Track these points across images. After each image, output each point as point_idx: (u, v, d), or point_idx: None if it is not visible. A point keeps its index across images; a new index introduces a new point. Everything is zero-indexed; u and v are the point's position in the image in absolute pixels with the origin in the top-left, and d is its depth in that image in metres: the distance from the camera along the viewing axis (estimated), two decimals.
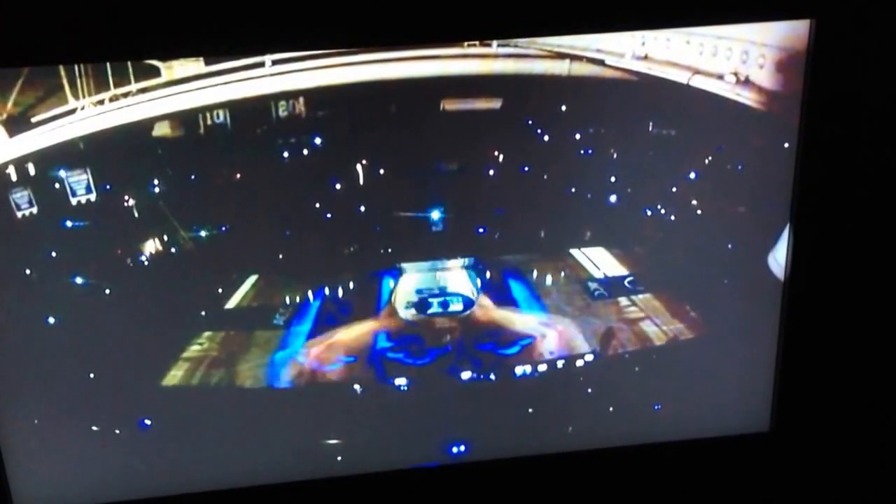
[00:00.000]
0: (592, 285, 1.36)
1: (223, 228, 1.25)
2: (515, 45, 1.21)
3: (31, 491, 1.34)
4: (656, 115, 1.27)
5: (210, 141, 1.21)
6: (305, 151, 1.23)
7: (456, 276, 1.33)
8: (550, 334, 1.37)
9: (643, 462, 1.45)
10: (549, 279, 1.34)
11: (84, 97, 1.16)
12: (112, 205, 1.21)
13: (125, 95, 1.17)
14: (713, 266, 1.36)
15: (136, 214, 1.22)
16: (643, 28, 1.22)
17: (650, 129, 1.28)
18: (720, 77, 1.26)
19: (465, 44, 1.20)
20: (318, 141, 1.23)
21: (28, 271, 1.23)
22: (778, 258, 1.36)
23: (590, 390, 1.41)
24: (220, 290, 1.28)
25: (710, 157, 1.30)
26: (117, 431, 1.33)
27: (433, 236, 1.30)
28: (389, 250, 1.30)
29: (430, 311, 1.34)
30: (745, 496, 1.49)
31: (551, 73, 1.23)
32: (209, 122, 1.20)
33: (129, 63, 1.16)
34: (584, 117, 1.26)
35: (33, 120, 1.16)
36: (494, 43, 1.21)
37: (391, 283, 1.31)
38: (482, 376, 1.38)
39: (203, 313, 1.29)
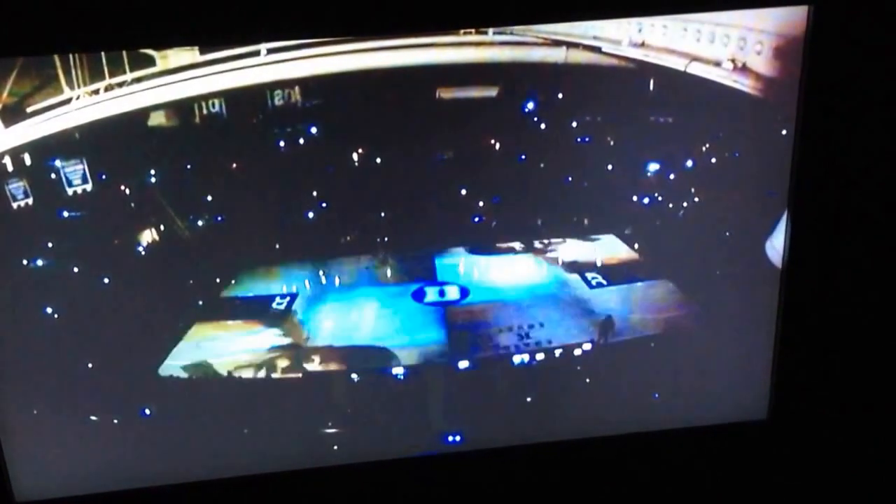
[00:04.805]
0: (590, 274, 1.35)
1: (219, 218, 1.25)
2: (511, 32, 1.21)
3: (31, 480, 1.34)
4: (653, 103, 1.26)
5: (206, 130, 1.20)
6: (301, 140, 1.23)
7: (454, 265, 1.33)
8: (548, 323, 1.37)
9: (641, 450, 1.45)
10: (546, 268, 1.34)
11: (79, 87, 1.16)
12: (108, 195, 1.21)
13: (120, 85, 1.17)
14: (711, 254, 1.36)
15: (133, 204, 1.22)
16: (640, 14, 1.22)
17: (647, 116, 1.27)
18: (717, 64, 1.25)
19: (461, 32, 1.20)
20: (313, 130, 1.22)
21: (25, 262, 1.23)
22: (776, 245, 1.36)
23: (588, 379, 1.40)
24: (217, 279, 1.28)
25: (707, 145, 1.30)
26: (116, 421, 1.33)
27: (429, 225, 1.30)
28: (386, 239, 1.29)
29: (426, 300, 1.34)
30: (743, 484, 1.49)
31: (548, 61, 1.23)
32: (205, 111, 1.20)
33: (123, 52, 1.15)
34: (581, 105, 1.26)
35: (29, 110, 1.16)
36: (490, 31, 1.20)
37: (388, 271, 1.31)
38: (480, 366, 1.38)
39: (200, 302, 1.29)
